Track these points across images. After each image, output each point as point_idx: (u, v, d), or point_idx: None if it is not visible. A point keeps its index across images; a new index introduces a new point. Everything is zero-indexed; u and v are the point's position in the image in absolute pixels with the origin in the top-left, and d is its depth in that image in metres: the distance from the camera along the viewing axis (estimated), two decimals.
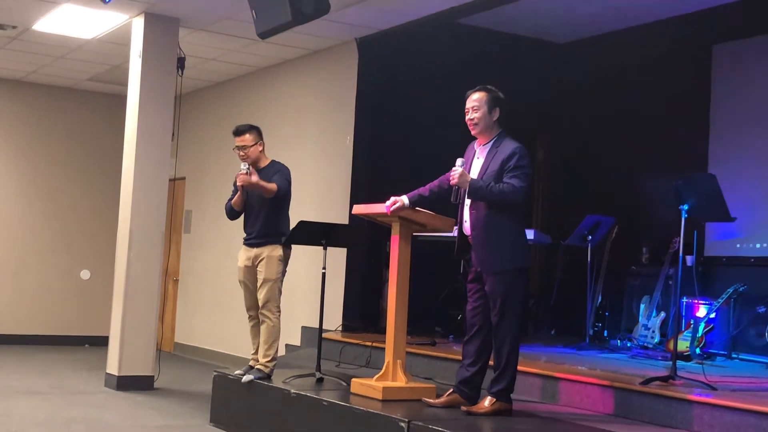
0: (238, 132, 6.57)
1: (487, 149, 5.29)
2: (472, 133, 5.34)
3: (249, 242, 6.59)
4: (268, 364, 6.45)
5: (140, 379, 8.33)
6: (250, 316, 6.62)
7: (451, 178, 5.18)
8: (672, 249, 7.31)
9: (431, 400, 5.38)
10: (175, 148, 8.66)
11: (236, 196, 6.55)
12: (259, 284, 6.47)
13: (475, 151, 5.36)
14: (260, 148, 6.56)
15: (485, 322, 5.25)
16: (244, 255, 6.60)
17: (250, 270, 6.55)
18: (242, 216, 6.68)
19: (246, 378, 6.39)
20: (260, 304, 6.46)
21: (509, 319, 5.13)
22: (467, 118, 5.31)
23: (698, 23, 7.89)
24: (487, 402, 5.16)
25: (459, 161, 5.24)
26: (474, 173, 5.25)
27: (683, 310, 7.15)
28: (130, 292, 8.34)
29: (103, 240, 11.91)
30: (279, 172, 6.52)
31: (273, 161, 6.66)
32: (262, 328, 6.47)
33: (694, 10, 7.78)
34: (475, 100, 5.29)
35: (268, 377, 6.40)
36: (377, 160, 8.64)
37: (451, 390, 5.37)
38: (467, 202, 5.25)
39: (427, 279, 7.08)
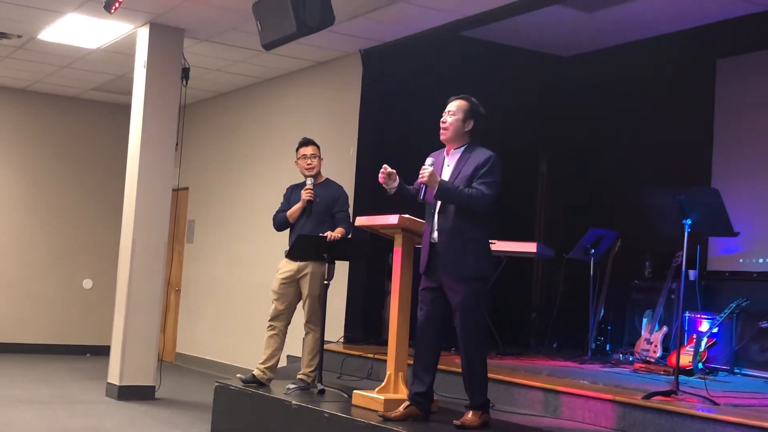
0: (309, 142, 6.76)
1: (458, 155, 5.23)
2: (441, 137, 5.27)
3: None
4: (310, 374, 6.53)
5: (141, 389, 8.33)
6: (270, 326, 6.65)
7: (420, 176, 5.11)
8: (675, 263, 7.30)
9: (389, 414, 5.26)
10: (179, 158, 8.68)
11: (295, 208, 6.63)
12: (303, 300, 6.58)
13: (444, 159, 5.29)
14: (321, 163, 6.74)
15: (439, 334, 5.27)
16: (286, 267, 6.65)
17: (290, 283, 6.61)
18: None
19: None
20: (306, 318, 6.57)
21: (477, 327, 5.10)
22: (441, 120, 5.27)
23: (702, 37, 7.92)
24: (473, 415, 5.11)
25: (429, 160, 5.18)
26: (444, 178, 5.17)
27: (686, 324, 7.12)
28: (132, 301, 8.34)
29: (105, 249, 11.91)
30: (340, 198, 6.67)
31: (328, 179, 6.80)
32: (308, 339, 6.60)
33: (698, 24, 7.82)
34: (453, 106, 5.27)
35: (308, 386, 6.46)
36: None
37: (407, 403, 5.28)
38: (436, 207, 5.19)
39: None
